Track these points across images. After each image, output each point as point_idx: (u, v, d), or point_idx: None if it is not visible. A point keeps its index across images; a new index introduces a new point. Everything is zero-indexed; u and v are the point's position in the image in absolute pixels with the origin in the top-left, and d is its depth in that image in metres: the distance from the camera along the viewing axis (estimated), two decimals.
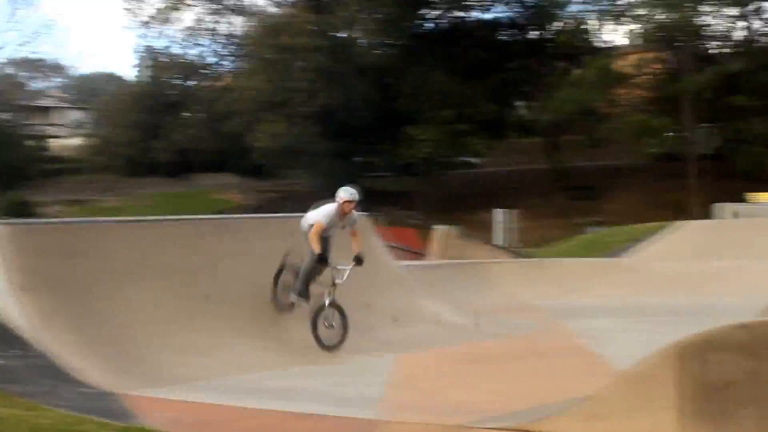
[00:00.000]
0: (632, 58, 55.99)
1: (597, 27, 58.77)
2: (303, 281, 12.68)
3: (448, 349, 12.96)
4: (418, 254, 27.78)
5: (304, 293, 12.70)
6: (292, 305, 12.88)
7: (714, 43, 56.51)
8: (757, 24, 54.17)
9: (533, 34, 60.75)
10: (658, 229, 25.39)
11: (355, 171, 55.25)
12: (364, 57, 58.57)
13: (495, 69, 56.31)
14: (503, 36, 60.82)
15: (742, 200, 38.10)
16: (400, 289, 15.54)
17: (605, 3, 55.87)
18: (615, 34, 77.44)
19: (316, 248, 12.32)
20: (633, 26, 54.78)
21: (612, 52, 58.37)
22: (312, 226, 12.48)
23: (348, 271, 12.45)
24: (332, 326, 12.39)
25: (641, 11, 52.87)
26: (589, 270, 21.50)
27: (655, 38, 53.34)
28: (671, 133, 52.27)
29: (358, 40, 60.52)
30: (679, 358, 6.33)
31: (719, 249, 21.41)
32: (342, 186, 12.74)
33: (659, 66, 55.86)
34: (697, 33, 53.43)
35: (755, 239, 21.45)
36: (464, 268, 20.46)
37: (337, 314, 12.44)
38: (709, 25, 54.43)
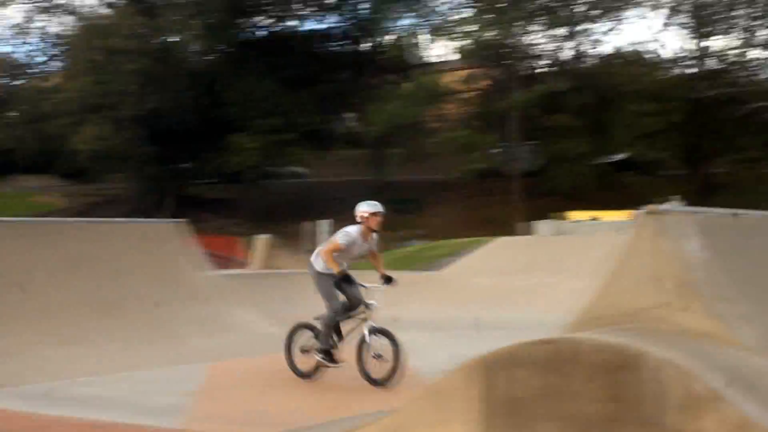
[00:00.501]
0: (460, 74, 57.06)
1: (427, 42, 59.74)
2: (326, 335, 10.84)
3: (259, 359, 12.66)
4: (239, 263, 27.32)
5: (330, 350, 10.86)
6: (315, 369, 11.05)
7: (541, 62, 58.44)
8: (583, 45, 56.24)
9: (364, 47, 61.23)
10: (478, 243, 25.75)
11: (180, 177, 54.23)
12: (193, 62, 57.69)
13: (324, 79, 56.43)
14: (334, 47, 61.03)
15: (561, 218, 39.37)
16: (213, 297, 15.11)
17: (436, 18, 56.79)
18: (445, 50, 79.08)
19: (333, 266, 10.60)
20: (462, 43, 55.80)
21: (441, 67, 59.33)
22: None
23: (380, 291, 10.82)
24: (380, 357, 10.48)
25: (470, 28, 53.96)
26: (407, 283, 21.51)
27: (483, 55, 54.54)
28: (495, 150, 53.49)
29: (187, 45, 59.48)
30: (483, 372, 6.20)
31: (534, 265, 21.79)
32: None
33: (486, 83, 57.17)
34: (525, 52, 55.08)
35: (569, 256, 21.93)
36: (282, 277, 20.12)
37: (384, 341, 10.52)
38: (536, 45, 56.26)
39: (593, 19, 54.55)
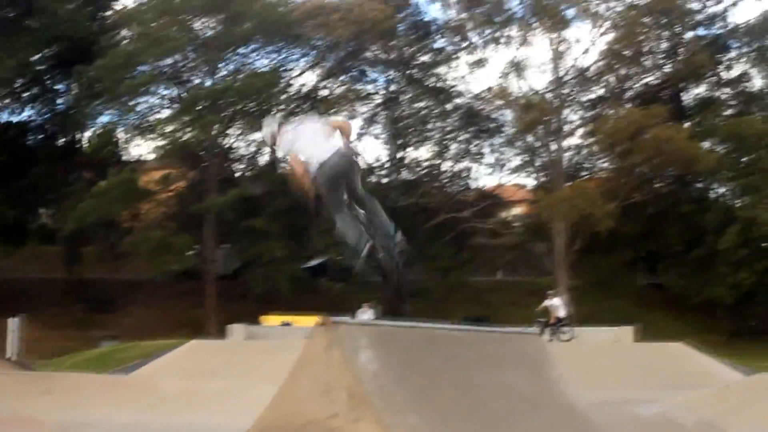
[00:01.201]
0: (158, 174, 56.41)
1: (125, 140, 58.78)
2: None
3: None
4: None
5: None
6: None
7: (239, 166, 58.94)
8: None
9: (62, 141, 59.35)
10: (172, 346, 25.34)
11: None
12: None
13: (18, 173, 53.82)
14: (30, 140, 58.60)
15: (256, 322, 39.46)
16: None
17: (135, 117, 56.02)
18: (143, 149, 78.07)
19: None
20: (160, 142, 55.35)
21: (139, 166, 58.34)
22: None
23: None
24: None
25: (169, 128, 53.70)
26: (97, 384, 20.67)
27: (181, 156, 54.32)
28: (192, 251, 52.97)
29: None
30: None
31: (227, 368, 21.68)
32: None
33: (184, 183, 56.83)
34: (224, 154, 55.44)
35: (262, 361, 22.00)
36: None
37: None
38: (234, 148, 56.82)
39: None
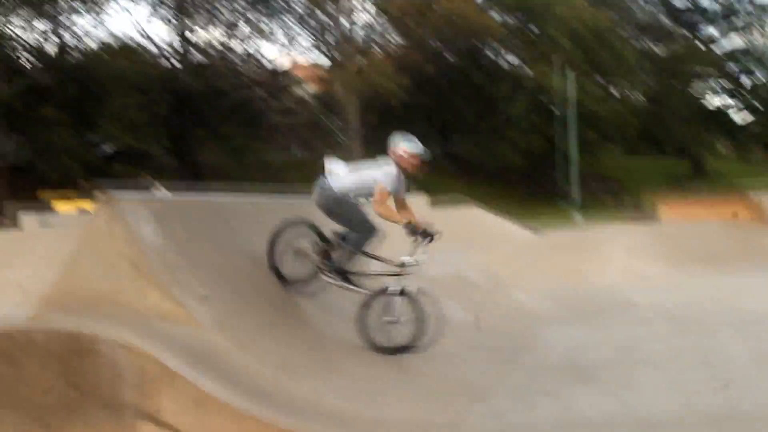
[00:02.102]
0: None
1: None
2: (350, 257, 8.97)
3: None
4: None
5: (347, 274, 9.00)
6: (306, 280, 9.07)
7: (25, 55, 55.87)
8: (68, 38, 54.81)
9: None
10: None
11: None
12: None
13: None
14: None
15: (49, 209, 38.21)
16: None
17: None
18: None
19: (396, 217, 8.84)
20: None
21: None
22: (364, 193, 8.91)
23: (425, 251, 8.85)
24: (398, 321, 8.67)
25: None
26: None
27: None
28: None
29: None
30: None
31: (17, 257, 20.99)
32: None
33: None
34: (8, 44, 52.38)
35: (55, 249, 21.34)
36: None
37: (407, 304, 8.69)
38: (19, 37, 53.75)
39: (78, 12, 53.49)
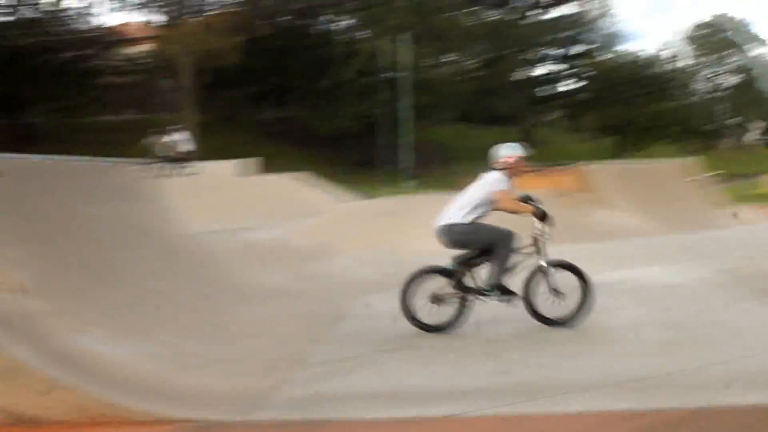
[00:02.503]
0: None
1: None
2: (502, 270, 9.07)
3: None
4: None
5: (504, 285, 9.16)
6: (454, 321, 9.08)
7: None
8: None
9: None
10: None
11: None
12: None
13: None
14: None
15: None
16: None
17: None
18: None
19: (525, 208, 9.13)
20: None
21: None
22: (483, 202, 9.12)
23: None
24: (560, 293, 9.02)
25: None
26: None
27: None
28: None
29: None
30: None
31: None
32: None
33: None
34: None
35: None
36: None
37: (566, 275, 9.09)
38: None
39: None
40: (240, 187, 28.84)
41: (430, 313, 8.98)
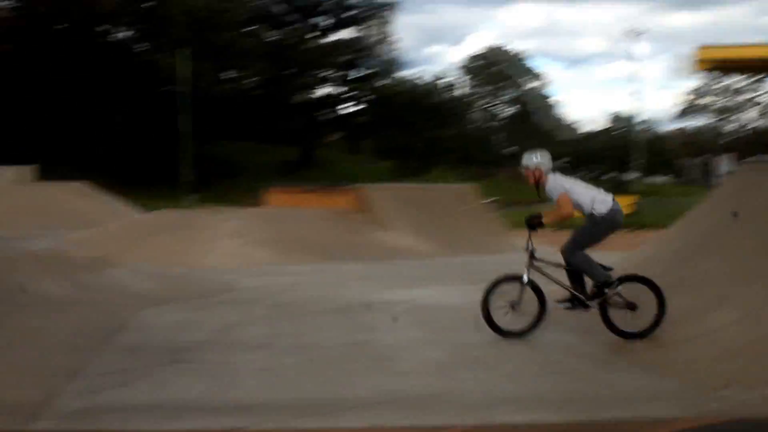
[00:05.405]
0: None
1: None
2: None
3: None
4: None
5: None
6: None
7: None
8: None
9: None
10: None
11: None
12: None
13: None
14: None
15: None
16: None
17: None
18: None
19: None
20: None
21: None
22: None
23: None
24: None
25: None
26: None
27: None
28: None
29: None
30: None
31: None
32: None
33: None
34: None
35: None
36: None
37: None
38: None
39: None
40: (17, 195, 27.87)
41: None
